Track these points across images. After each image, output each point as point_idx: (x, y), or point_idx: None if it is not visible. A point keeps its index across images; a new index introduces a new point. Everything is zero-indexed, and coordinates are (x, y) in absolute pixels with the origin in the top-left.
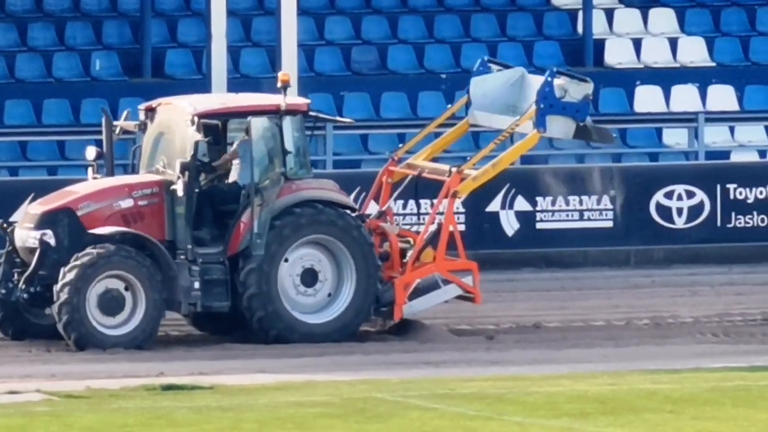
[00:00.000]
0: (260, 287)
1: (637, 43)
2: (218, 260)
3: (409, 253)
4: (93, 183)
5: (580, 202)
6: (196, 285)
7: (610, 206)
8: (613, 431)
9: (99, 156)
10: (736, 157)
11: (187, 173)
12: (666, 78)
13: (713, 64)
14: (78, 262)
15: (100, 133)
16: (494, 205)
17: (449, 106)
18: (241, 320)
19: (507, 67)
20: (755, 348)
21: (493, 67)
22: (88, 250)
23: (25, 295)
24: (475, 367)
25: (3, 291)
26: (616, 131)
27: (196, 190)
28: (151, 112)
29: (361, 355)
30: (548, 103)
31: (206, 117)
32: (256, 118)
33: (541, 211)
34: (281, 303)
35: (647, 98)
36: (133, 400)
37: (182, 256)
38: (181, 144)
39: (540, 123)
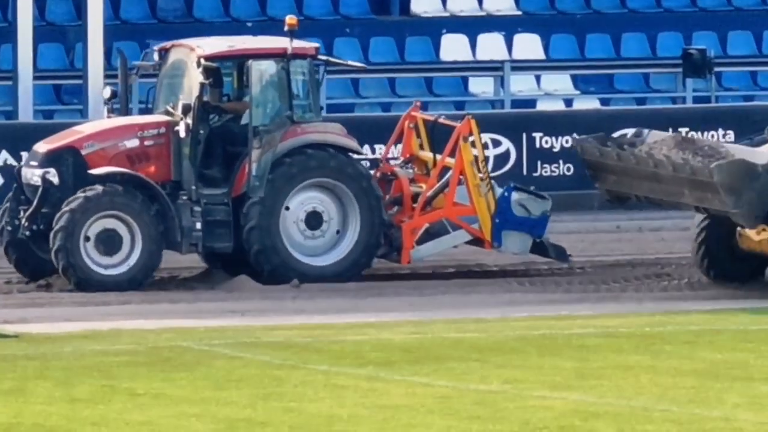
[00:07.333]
0: (260, 223)
1: None
2: (222, 201)
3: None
4: (100, 122)
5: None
6: (198, 225)
7: None
8: (419, 380)
9: (114, 96)
10: (542, 106)
11: (190, 114)
12: (472, 26)
13: (519, 12)
14: (68, 207)
15: None
16: None
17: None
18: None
19: (530, 193)
20: (560, 297)
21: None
22: (79, 193)
23: (28, 233)
24: (281, 316)
25: (9, 228)
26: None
27: (201, 131)
28: (165, 52)
29: (167, 304)
30: (504, 218)
31: (210, 59)
32: (260, 61)
33: None
34: (282, 242)
35: (453, 47)
36: None
37: (184, 197)
38: (189, 85)
39: (495, 238)
